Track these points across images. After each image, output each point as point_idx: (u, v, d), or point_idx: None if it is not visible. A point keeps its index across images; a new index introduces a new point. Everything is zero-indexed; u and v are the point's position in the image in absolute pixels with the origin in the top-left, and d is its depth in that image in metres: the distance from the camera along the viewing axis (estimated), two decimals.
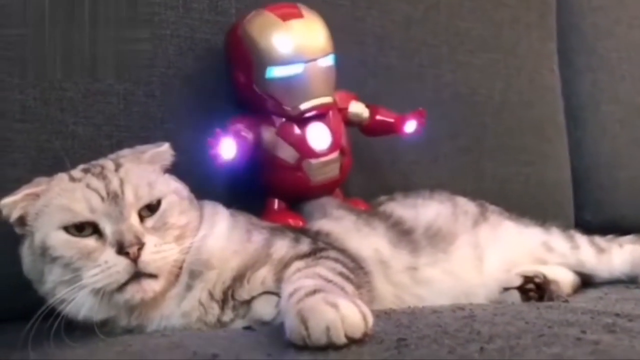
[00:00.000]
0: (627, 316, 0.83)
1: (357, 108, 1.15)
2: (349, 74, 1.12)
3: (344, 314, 0.66)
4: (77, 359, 0.75)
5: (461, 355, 0.64)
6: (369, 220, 1.07)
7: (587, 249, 1.20)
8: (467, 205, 1.19)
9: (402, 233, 1.07)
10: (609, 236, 1.27)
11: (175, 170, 0.93)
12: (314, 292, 0.72)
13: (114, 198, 0.82)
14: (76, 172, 0.87)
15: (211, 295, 0.87)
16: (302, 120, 1.06)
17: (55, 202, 0.83)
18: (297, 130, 1.07)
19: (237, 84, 1.08)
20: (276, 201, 1.10)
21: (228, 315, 0.87)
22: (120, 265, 0.79)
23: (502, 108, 1.51)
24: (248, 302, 0.88)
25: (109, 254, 0.80)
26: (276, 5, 1.06)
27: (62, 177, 0.86)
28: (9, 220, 0.85)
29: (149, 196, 0.85)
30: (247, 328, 0.85)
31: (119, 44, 1.10)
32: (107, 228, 0.81)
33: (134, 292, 0.80)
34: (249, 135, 1.04)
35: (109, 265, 0.79)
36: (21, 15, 1.04)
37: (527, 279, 1.05)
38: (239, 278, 0.88)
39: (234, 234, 0.91)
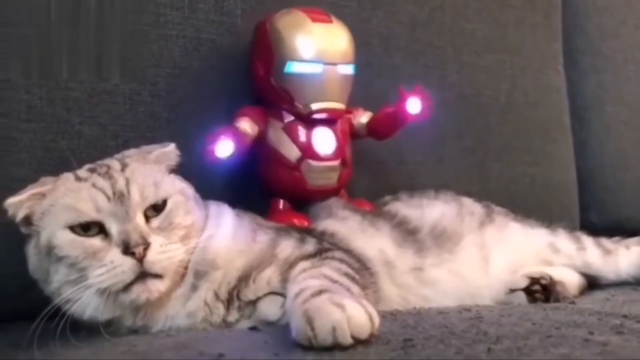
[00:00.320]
0: (635, 317, 0.82)
1: (364, 118, 1.16)
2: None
3: (350, 314, 0.66)
4: (83, 358, 0.75)
5: (469, 356, 0.64)
6: (374, 220, 1.07)
7: (593, 251, 1.20)
8: (473, 206, 1.19)
9: (407, 233, 1.07)
10: (615, 238, 1.26)
11: (181, 170, 0.93)
12: (320, 292, 0.72)
13: (120, 198, 0.82)
14: (82, 172, 0.87)
15: (217, 295, 0.87)
16: (311, 122, 1.07)
17: (61, 202, 0.83)
18: (304, 130, 1.07)
19: (256, 75, 1.09)
20: (281, 201, 1.10)
21: (233, 316, 0.87)
22: (126, 265, 0.79)
23: (508, 109, 1.51)
24: (253, 303, 0.88)
25: (114, 254, 0.80)
26: (309, 9, 1.08)
27: (68, 176, 0.86)
28: (15, 220, 0.85)
29: (154, 196, 0.85)
30: (253, 328, 0.84)
31: (124, 44, 1.10)
32: (113, 228, 0.81)
33: (139, 292, 0.81)
34: (253, 130, 1.05)
35: (114, 265, 0.79)
36: (27, 15, 1.04)
37: (533, 281, 1.04)
38: (245, 278, 0.88)
39: (239, 234, 0.91)
